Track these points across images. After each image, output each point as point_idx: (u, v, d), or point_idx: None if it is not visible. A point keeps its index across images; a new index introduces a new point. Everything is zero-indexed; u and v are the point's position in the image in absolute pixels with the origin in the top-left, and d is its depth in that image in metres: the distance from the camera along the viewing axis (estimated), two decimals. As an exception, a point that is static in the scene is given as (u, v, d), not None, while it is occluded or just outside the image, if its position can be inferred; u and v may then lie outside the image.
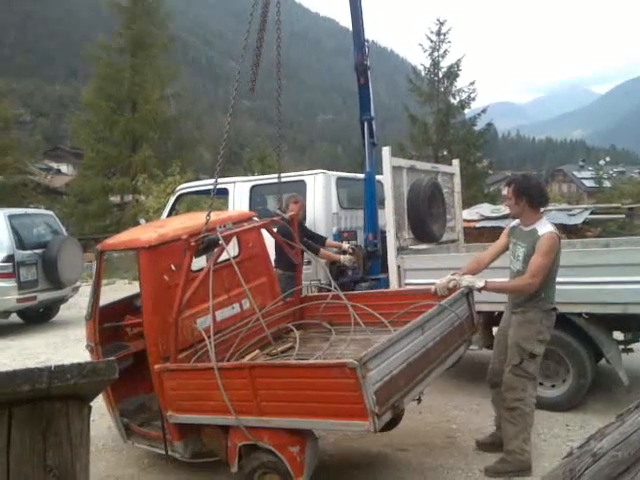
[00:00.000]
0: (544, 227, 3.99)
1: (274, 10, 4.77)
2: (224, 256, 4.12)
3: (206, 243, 3.78)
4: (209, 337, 3.64)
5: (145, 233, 4.38)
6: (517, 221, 4.27)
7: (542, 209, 4.22)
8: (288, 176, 7.02)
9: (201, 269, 4.03)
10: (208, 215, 3.94)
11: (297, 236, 4.85)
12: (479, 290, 4.07)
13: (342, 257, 6.26)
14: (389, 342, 3.24)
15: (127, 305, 4.98)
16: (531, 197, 4.03)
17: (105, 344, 4.42)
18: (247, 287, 4.07)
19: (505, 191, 4.40)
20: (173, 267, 4.06)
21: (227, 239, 3.93)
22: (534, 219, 4.06)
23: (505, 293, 4.11)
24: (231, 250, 4.22)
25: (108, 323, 4.53)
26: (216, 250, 3.89)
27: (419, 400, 3.89)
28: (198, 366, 3.82)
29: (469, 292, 4.15)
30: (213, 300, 3.80)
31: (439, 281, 4.15)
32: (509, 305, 4.28)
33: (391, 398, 3.14)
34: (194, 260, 3.86)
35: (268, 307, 4.53)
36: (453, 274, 4.19)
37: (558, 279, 4.98)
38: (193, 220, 4.57)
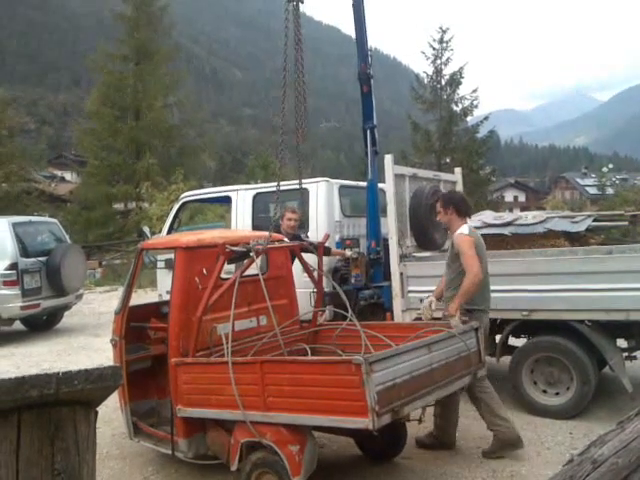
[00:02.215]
0: (458, 230, 4.56)
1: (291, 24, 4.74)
2: (252, 270, 4.28)
3: (240, 252, 4.01)
4: (227, 339, 3.80)
5: (186, 237, 4.73)
6: None
7: (468, 219, 4.77)
8: (290, 184, 7.05)
9: (228, 279, 4.21)
10: (270, 230, 4.36)
11: (321, 262, 4.93)
12: (458, 312, 4.33)
13: None
14: (395, 351, 3.44)
15: (154, 309, 5.11)
16: (456, 206, 4.64)
17: (128, 342, 4.55)
18: (269, 304, 4.14)
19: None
20: (205, 271, 4.27)
21: (259, 254, 4.13)
22: (458, 226, 4.60)
23: (467, 298, 4.39)
24: (259, 266, 4.33)
25: (134, 323, 4.65)
26: (246, 261, 4.12)
27: (420, 420, 4.04)
28: (213, 360, 4.00)
29: (478, 327, 4.28)
30: (234, 310, 3.95)
31: (422, 305, 4.51)
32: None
33: (392, 403, 3.26)
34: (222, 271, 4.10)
35: (284, 325, 4.58)
36: (428, 297, 4.62)
37: (562, 286, 5.04)
38: (231, 233, 5.31)
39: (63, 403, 1.17)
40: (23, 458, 1.13)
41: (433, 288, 5.78)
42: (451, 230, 4.70)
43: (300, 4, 4.78)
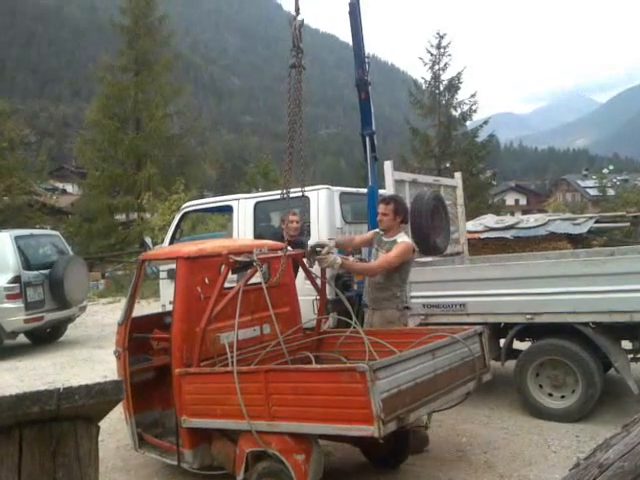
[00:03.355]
0: (403, 237, 4.79)
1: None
2: (255, 279, 4.28)
3: (243, 262, 4.03)
4: (232, 349, 3.78)
5: (187, 247, 4.76)
6: (380, 231, 4.96)
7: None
8: (292, 192, 7.03)
9: (230, 288, 4.23)
10: (285, 245, 4.40)
11: (325, 270, 4.91)
12: (338, 267, 4.58)
13: None
14: (399, 358, 3.41)
15: (157, 320, 5.13)
16: (404, 216, 4.88)
17: (131, 353, 4.56)
18: (272, 313, 4.14)
19: (381, 208, 4.92)
20: (207, 281, 4.28)
21: (262, 263, 4.15)
22: (396, 232, 4.82)
23: (354, 272, 5.00)
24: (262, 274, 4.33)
25: (137, 334, 4.66)
26: (249, 271, 4.13)
27: (425, 427, 4.08)
28: (217, 370, 3.99)
29: (482, 332, 4.28)
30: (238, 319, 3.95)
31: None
32: (370, 305, 4.93)
33: (397, 410, 3.24)
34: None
35: (288, 333, 4.57)
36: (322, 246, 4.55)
37: (565, 289, 5.06)
38: (232, 242, 5.35)
39: (64, 418, 1.17)
40: (25, 474, 1.12)
41: (436, 293, 5.81)
42: (388, 234, 4.86)
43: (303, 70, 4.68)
